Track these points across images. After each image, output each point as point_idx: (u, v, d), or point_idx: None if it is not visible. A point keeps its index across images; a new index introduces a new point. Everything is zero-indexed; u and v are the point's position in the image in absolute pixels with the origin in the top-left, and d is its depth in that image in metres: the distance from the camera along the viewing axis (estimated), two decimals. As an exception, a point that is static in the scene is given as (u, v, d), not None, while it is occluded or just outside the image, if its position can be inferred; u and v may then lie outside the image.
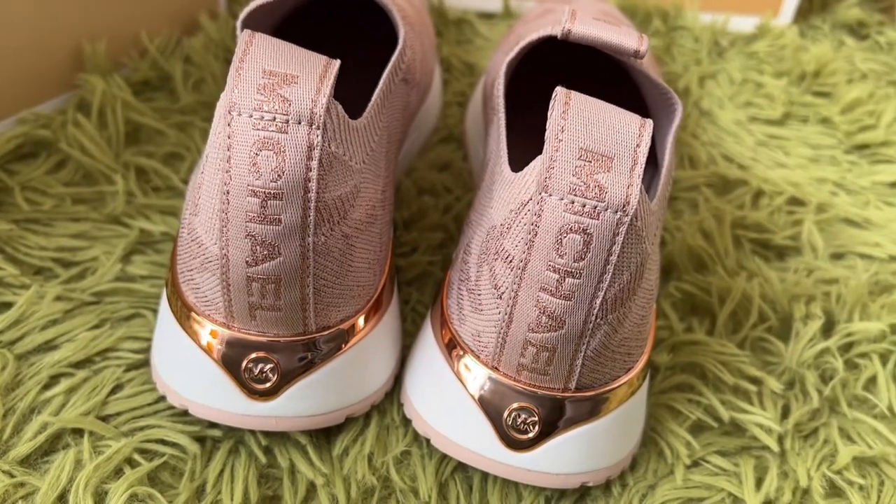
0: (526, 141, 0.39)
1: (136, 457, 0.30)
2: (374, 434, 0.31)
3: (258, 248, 0.27)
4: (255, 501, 0.29)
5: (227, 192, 0.26)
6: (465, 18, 0.55)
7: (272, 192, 0.26)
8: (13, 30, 0.39)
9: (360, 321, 0.31)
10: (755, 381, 0.35)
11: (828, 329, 0.38)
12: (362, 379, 0.31)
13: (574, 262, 0.26)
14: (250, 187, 0.26)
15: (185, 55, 0.46)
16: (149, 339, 0.33)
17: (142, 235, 0.37)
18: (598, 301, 0.27)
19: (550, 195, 0.25)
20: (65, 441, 0.30)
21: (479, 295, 0.29)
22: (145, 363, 0.33)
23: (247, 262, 0.27)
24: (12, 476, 0.29)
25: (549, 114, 0.26)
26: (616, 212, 0.25)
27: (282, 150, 0.26)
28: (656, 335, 0.37)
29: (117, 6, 0.43)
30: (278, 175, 0.26)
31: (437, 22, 0.54)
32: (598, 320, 0.27)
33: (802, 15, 0.59)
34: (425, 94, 0.42)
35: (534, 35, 0.32)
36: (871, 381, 0.37)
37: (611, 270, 0.26)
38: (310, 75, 0.26)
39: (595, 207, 0.25)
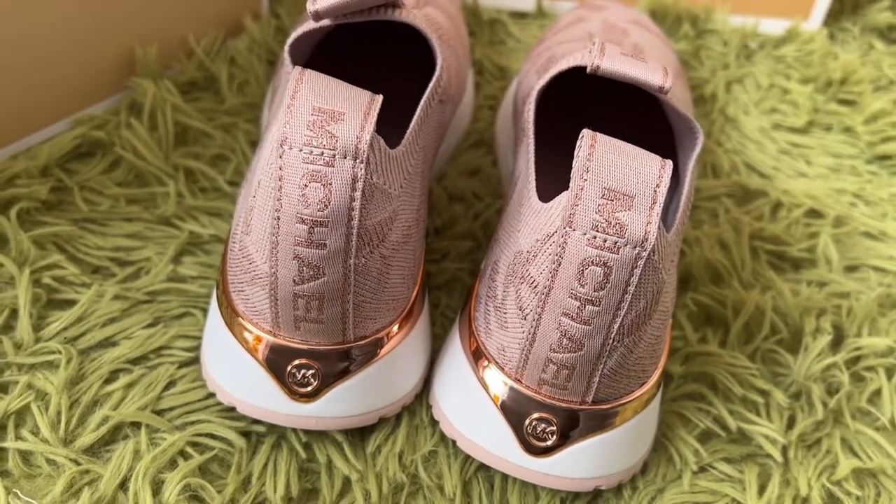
0: (554, 150, 0.40)
1: (189, 449, 0.33)
2: (405, 434, 0.34)
3: (305, 269, 0.29)
4: (296, 493, 0.32)
5: (278, 218, 0.28)
6: (497, 18, 0.56)
7: (319, 220, 0.28)
8: (70, 36, 0.41)
9: (395, 328, 0.34)
10: (763, 393, 0.37)
11: (837, 342, 0.40)
12: (395, 383, 0.34)
13: (594, 291, 0.28)
14: (299, 215, 0.28)
15: (229, 57, 0.48)
16: (199, 338, 0.36)
17: (191, 237, 0.40)
18: (616, 326, 0.29)
19: (574, 230, 0.28)
20: (124, 433, 0.33)
21: (504, 313, 0.31)
22: (196, 360, 0.35)
23: (294, 280, 0.29)
24: (78, 464, 0.32)
25: (575, 153, 0.28)
26: (635, 247, 0.27)
27: (329, 182, 0.28)
28: (672, 345, 0.39)
29: (165, 11, 0.46)
30: (325, 205, 0.28)
31: (470, 22, 0.55)
32: (616, 343, 0.29)
33: (833, 17, 0.60)
34: (458, 104, 0.44)
35: (563, 64, 0.34)
36: (877, 394, 0.39)
37: (628, 300, 0.28)
38: (355, 112, 0.28)
39: (615, 243, 0.27)
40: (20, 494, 0.30)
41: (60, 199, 0.40)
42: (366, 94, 0.29)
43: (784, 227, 0.45)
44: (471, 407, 0.33)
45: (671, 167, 0.28)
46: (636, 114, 0.41)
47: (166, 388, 0.34)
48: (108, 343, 0.36)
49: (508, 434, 0.32)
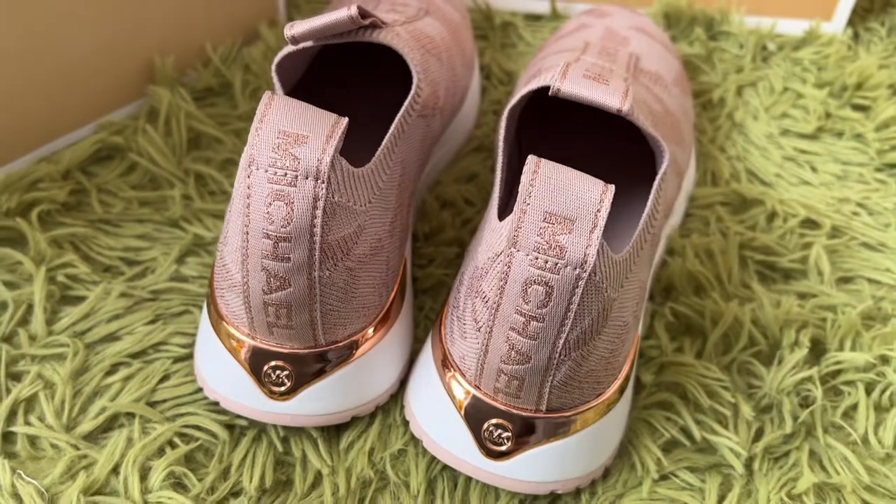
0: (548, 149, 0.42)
1: (176, 439, 0.35)
2: (377, 432, 0.36)
3: (272, 279, 0.31)
4: (269, 484, 0.35)
5: (247, 233, 0.31)
6: (511, 21, 0.57)
7: (282, 235, 0.30)
8: (92, 46, 0.45)
9: (370, 331, 0.36)
10: (732, 405, 0.38)
11: (818, 355, 0.40)
12: (368, 384, 0.36)
13: (538, 308, 0.29)
14: (264, 231, 0.30)
15: (244, 64, 0.50)
16: (194, 335, 0.39)
17: (195, 239, 0.43)
18: (561, 341, 0.30)
19: (518, 250, 0.29)
20: (120, 421, 0.36)
21: (464, 324, 0.33)
22: (189, 356, 0.38)
23: (263, 290, 0.32)
24: (77, 449, 0.35)
25: (521, 178, 0.29)
26: (575, 268, 0.29)
27: (291, 201, 0.30)
28: (647, 354, 0.40)
29: (184, 19, 0.48)
30: (288, 222, 0.30)
31: (483, 25, 0.56)
32: (563, 357, 0.31)
33: (860, 16, 0.59)
34: (454, 114, 0.45)
35: (533, 84, 0.35)
36: (853, 408, 0.39)
37: (571, 317, 0.30)
38: (318, 135, 0.30)
39: (556, 264, 0.29)
40: (23, 475, 0.34)
41: (79, 201, 0.44)
42: (331, 117, 0.31)
43: (777, 238, 0.45)
44: (436, 410, 0.35)
45: (612, 192, 0.29)
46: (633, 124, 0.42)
47: (161, 381, 0.37)
48: (111, 338, 0.39)
49: (468, 438, 0.34)
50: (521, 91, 0.35)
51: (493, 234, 0.31)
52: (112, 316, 0.39)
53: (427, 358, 0.36)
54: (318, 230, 0.31)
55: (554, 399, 0.32)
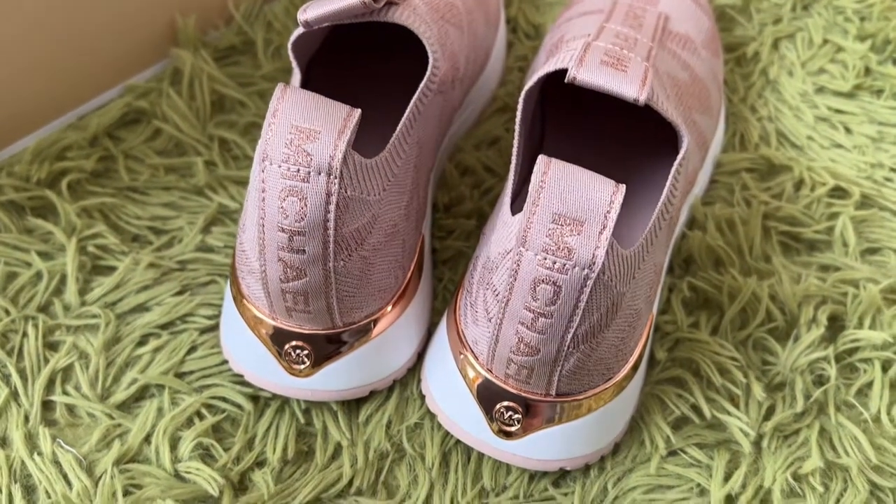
0: (574, 134, 0.41)
1: (203, 410, 0.37)
2: (395, 405, 0.38)
3: (288, 270, 0.32)
4: (292, 455, 0.36)
5: (262, 226, 0.31)
6: (541, -31, 0.55)
7: (297, 229, 0.31)
8: (117, 9, 0.45)
9: (388, 308, 0.37)
10: (743, 384, 0.38)
11: (836, 332, 0.40)
12: (385, 360, 0.37)
13: (546, 306, 0.30)
14: (279, 225, 0.31)
15: (267, 21, 0.50)
16: (220, 306, 0.40)
17: (220, 207, 0.43)
18: (570, 336, 0.31)
19: (527, 250, 0.29)
20: (151, 392, 0.38)
21: (476, 311, 0.33)
22: (215, 327, 0.40)
23: (280, 279, 0.32)
24: (112, 418, 0.37)
25: (531, 178, 0.29)
26: (583, 269, 0.29)
27: (304, 196, 0.30)
28: (661, 328, 0.40)
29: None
30: (301, 217, 0.31)
31: (512, -28, 0.55)
32: (571, 349, 0.31)
33: (913, -43, 0.55)
34: (475, 80, 0.45)
35: (550, 66, 0.34)
36: (868, 387, 0.39)
37: (579, 314, 0.30)
38: (330, 130, 0.30)
39: (564, 265, 0.29)
40: (62, 443, 0.36)
41: (107, 168, 0.45)
42: (343, 110, 0.31)
43: (803, 207, 0.44)
44: (451, 388, 0.36)
45: (623, 192, 0.29)
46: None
47: (188, 352, 0.39)
48: (141, 308, 0.40)
49: (480, 417, 0.35)
50: (538, 73, 0.34)
51: (505, 228, 0.32)
52: (141, 287, 0.41)
53: (442, 337, 0.37)
54: (331, 224, 0.31)
55: (563, 385, 0.33)
